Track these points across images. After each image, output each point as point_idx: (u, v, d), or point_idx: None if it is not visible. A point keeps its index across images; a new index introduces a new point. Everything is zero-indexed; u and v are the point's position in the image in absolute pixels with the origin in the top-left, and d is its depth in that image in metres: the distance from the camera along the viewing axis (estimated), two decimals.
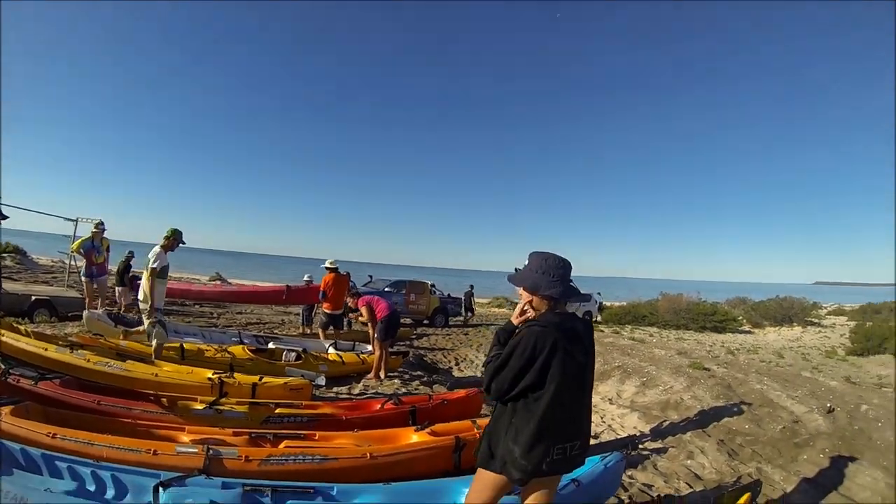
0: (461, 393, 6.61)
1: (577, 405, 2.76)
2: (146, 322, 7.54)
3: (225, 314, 17.09)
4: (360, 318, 9.85)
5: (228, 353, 8.37)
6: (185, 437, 4.59)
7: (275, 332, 13.62)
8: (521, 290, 2.86)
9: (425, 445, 4.73)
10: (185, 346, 8.21)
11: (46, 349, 6.79)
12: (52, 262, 30.87)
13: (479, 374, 10.76)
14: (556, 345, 2.61)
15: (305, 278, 14.70)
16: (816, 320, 29.23)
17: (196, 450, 3.93)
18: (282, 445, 4.53)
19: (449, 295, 22.40)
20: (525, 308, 2.85)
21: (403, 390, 8.29)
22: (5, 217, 7.14)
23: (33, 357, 6.64)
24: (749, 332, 24.12)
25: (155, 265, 7.48)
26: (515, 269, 2.96)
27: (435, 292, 20.98)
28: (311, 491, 3.59)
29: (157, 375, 6.50)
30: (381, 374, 9.01)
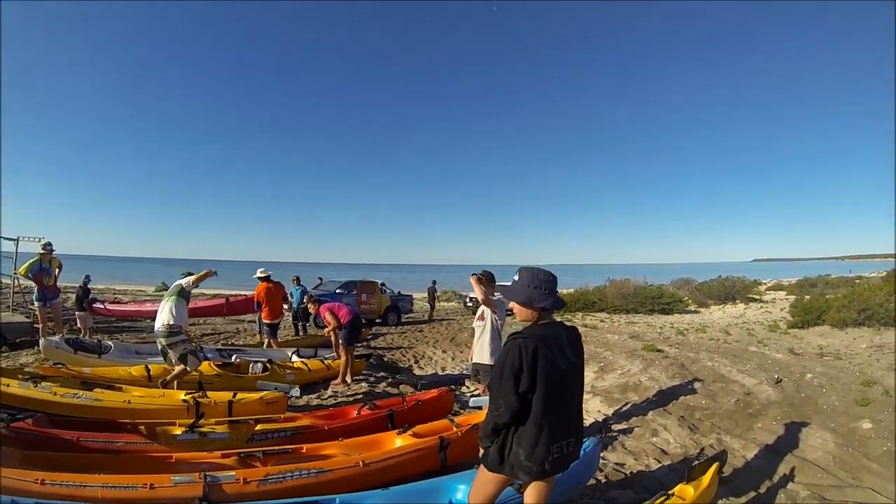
0: (433, 393, 6.75)
1: (567, 405, 3.01)
2: (172, 350, 7.26)
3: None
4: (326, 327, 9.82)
5: (196, 371, 7.89)
6: (176, 466, 4.54)
7: (232, 342, 13.45)
8: (512, 304, 3.11)
9: (412, 448, 4.86)
10: (150, 367, 8.05)
11: (8, 385, 6.51)
12: None
13: (440, 371, 10.93)
14: (536, 352, 2.84)
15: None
16: (757, 297, 30.08)
17: (193, 478, 3.93)
18: (272, 462, 4.59)
19: (399, 292, 22.49)
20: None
21: (371, 394, 8.39)
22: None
23: None
24: (695, 312, 24.74)
25: (187, 286, 7.50)
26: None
27: (385, 291, 21.03)
28: None
29: (129, 402, 6.36)
30: (348, 379, 9.09)
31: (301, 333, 15.14)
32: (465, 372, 10.14)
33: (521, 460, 2.91)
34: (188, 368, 7.20)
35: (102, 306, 15.82)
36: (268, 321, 11.67)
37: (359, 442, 5.19)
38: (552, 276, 3.11)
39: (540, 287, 3.03)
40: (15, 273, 14.62)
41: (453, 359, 12.38)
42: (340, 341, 9.27)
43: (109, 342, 10.10)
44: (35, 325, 12.13)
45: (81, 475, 4.01)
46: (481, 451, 3.13)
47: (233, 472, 4.11)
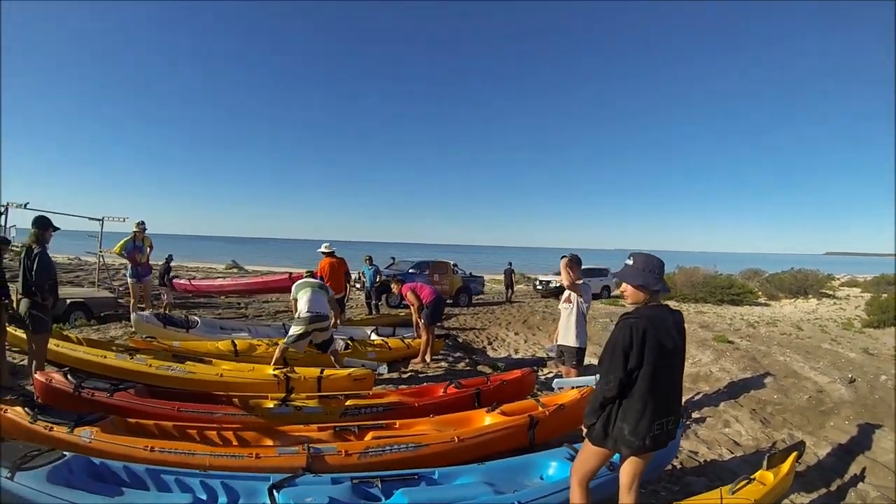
0: (517, 373, 6.83)
1: (670, 385, 3.15)
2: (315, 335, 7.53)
3: (252, 303, 17.05)
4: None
5: (276, 345, 8.01)
6: (274, 438, 4.76)
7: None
8: (625, 286, 3.26)
9: (503, 425, 4.98)
10: (237, 342, 8.24)
11: (105, 356, 6.82)
12: (69, 259, 31.09)
13: (513, 353, 11.00)
14: (646, 332, 2.99)
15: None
16: (831, 292, 29.05)
17: (297, 449, 4.10)
18: (369, 436, 4.74)
19: (470, 273, 22.62)
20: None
21: (450, 373, 8.64)
22: (56, 229, 7.27)
23: (93, 366, 6.67)
24: (766, 305, 24.06)
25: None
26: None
27: (457, 272, 21.12)
28: (416, 477, 3.85)
29: (221, 375, 6.56)
30: (427, 358, 9.25)
31: (374, 312, 15.38)
32: (545, 354, 10.23)
33: (625, 434, 3.09)
34: (330, 355, 7.57)
35: (187, 282, 16.26)
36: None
37: (449, 419, 5.33)
38: (662, 262, 3.29)
39: (653, 271, 3.20)
40: (100, 251, 15.03)
41: (526, 341, 12.42)
42: (422, 320, 9.39)
43: (196, 317, 10.40)
44: (119, 301, 12.65)
45: (188, 443, 4.26)
46: (584, 428, 3.29)
47: (334, 445, 4.28)
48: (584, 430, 3.31)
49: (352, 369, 6.88)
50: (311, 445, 4.16)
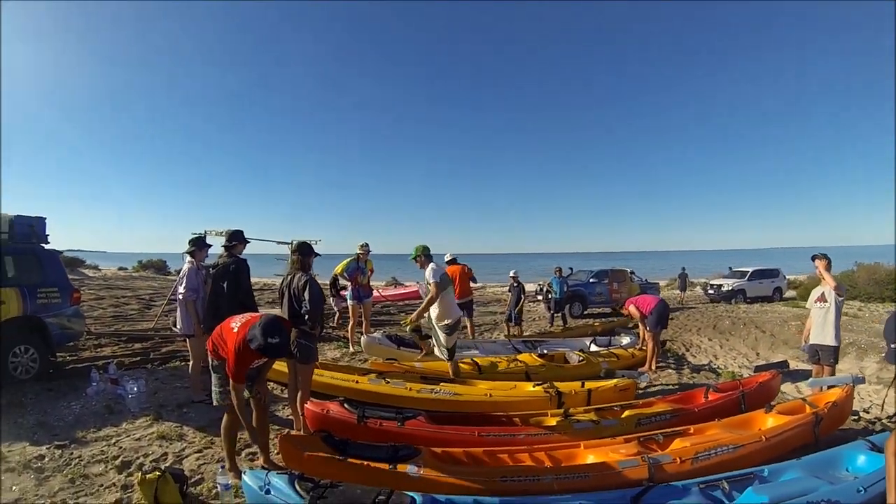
0: (766, 376, 6.93)
1: None
2: (440, 340, 7.58)
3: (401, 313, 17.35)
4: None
5: (520, 362, 8.42)
6: (584, 454, 4.84)
7: (495, 335, 14.01)
8: None
9: (794, 423, 5.15)
10: (477, 360, 8.34)
11: (357, 381, 6.88)
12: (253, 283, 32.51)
13: (713, 359, 10.98)
14: None
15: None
16: None
17: (637, 461, 4.28)
18: (675, 443, 4.90)
19: (646, 280, 22.64)
20: None
21: (681, 380, 8.82)
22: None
23: (345, 391, 6.54)
24: None
25: (437, 279, 7.62)
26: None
27: (634, 279, 21.11)
28: (752, 476, 4.07)
29: (490, 395, 6.58)
30: (653, 366, 9.40)
31: (564, 323, 15.84)
32: (757, 361, 10.26)
33: None
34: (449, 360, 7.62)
35: (378, 293, 16.90)
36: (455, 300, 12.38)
37: (736, 421, 5.48)
38: None
39: None
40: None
41: (721, 347, 12.28)
42: (647, 329, 9.50)
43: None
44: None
45: (530, 467, 4.44)
46: None
47: (668, 454, 4.48)
48: None
49: (616, 380, 7.03)
50: (649, 457, 4.36)
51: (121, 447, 5.63)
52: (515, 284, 14.13)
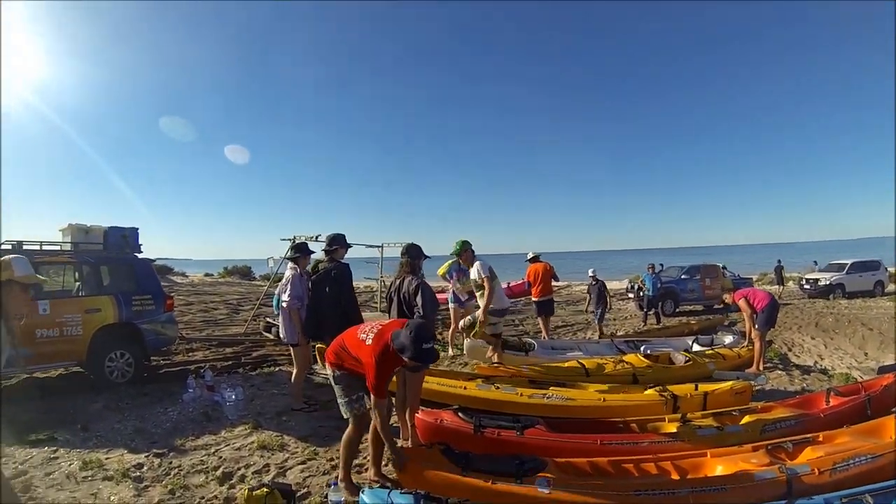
0: (890, 378, 6.63)
1: None
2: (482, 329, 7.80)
3: (525, 319, 17.20)
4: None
5: (627, 363, 8.16)
6: (710, 463, 4.66)
7: (588, 336, 13.92)
8: None
9: None
10: (583, 362, 8.08)
11: (465, 387, 6.72)
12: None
13: (818, 360, 10.71)
14: None
15: None
16: None
17: (774, 473, 4.11)
18: (806, 451, 4.71)
19: (738, 275, 22.00)
20: None
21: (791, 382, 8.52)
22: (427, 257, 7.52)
23: (457, 399, 6.44)
24: None
25: (488, 273, 7.70)
26: None
27: (726, 274, 20.60)
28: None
29: (604, 400, 6.39)
30: (760, 366, 9.13)
31: (658, 322, 15.77)
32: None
33: None
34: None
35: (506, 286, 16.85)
36: (535, 298, 12.60)
37: (866, 428, 5.25)
38: None
39: None
40: (381, 277, 15.27)
41: (826, 346, 11.94)
42: (755, 327, 9.27)
43: (530, 339, 10.52)
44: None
45: (664, 481, 4.39)
46: None
47: (805, 464, 4.30)
48: None
49: (731, 382, 6.78)
50: (786, 468, 4.21)
51: (220, 457, 5.57)
52: (595, 283, 14.19)
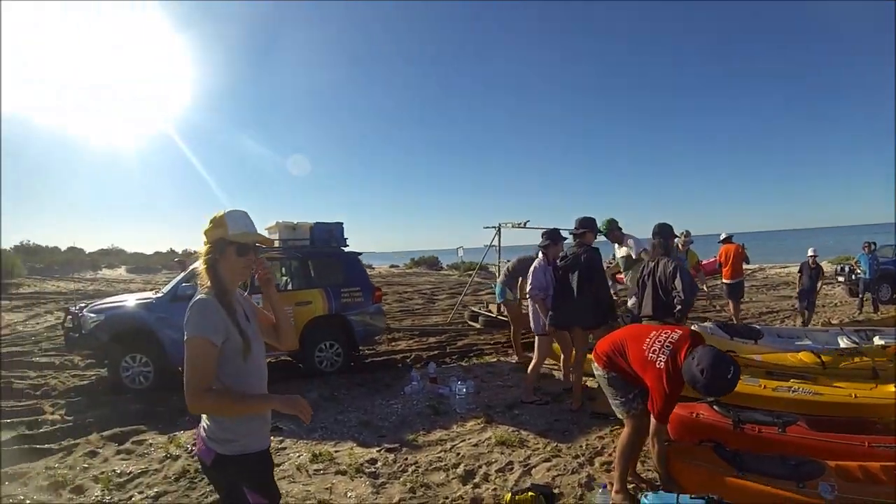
0: None
1: None
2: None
3: (725, 305, 15.11)
4: None
5: (864, 356, 7.02)
6: None
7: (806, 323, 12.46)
8: None
9: None
10: (821, 355, 7.00)
11: None
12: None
13: None
14: None
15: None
16: None
17: None
18: None
19: None
20: None
21: None
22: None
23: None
24: None
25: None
26: None
27: None
28: None
29: (854, 396, 5.54)
30: None
31: (872, 309, 14.35)
32: None
33: None
34: None
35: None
36: (727, 280, 11.96)
37: None
38: None
39: None
40: (499, 261, 13.46)
41: None
42: None
43: (757, 325, 9.81)
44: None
45: None
46: None
47: None
48: None
49: None
50: None
51: (458, 453, 5.30)
52: (814, 265, 12.58)
